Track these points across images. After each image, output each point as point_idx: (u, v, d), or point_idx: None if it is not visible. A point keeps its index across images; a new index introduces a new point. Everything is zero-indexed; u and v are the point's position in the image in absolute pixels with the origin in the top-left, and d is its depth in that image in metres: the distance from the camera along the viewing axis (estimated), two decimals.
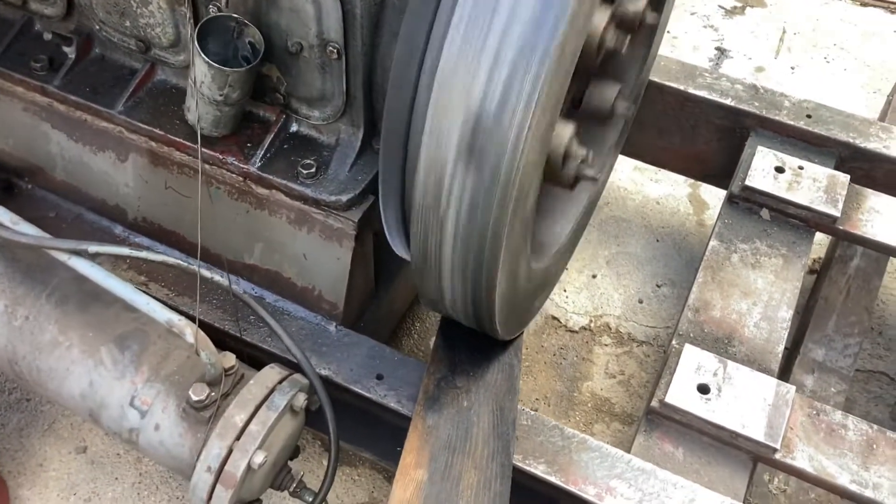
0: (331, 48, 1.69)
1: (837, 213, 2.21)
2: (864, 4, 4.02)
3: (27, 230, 1.69)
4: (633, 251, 2.87)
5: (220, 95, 1.69)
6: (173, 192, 1.99)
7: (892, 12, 3.96)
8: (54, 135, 2.07)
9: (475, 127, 1.33)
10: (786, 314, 2.07)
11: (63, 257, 1.63)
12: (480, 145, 1.34)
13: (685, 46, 3.67)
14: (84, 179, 2.10)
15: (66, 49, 2.01)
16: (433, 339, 2.48)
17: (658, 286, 2.78)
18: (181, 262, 1.67)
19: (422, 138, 1.39)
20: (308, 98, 1.81)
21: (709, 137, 2.63)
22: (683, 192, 3.06)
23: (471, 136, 1.34)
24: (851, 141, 2.42)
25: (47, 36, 2.02)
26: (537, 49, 1.28)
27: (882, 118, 3.13)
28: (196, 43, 1.61)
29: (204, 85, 1.67)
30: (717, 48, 3.69)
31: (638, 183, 3.09)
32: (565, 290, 2.73)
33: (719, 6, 3.93)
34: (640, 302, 2.73)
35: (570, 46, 1.34)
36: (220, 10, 1.72)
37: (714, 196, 3.01)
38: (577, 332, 2.63)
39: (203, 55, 1.60)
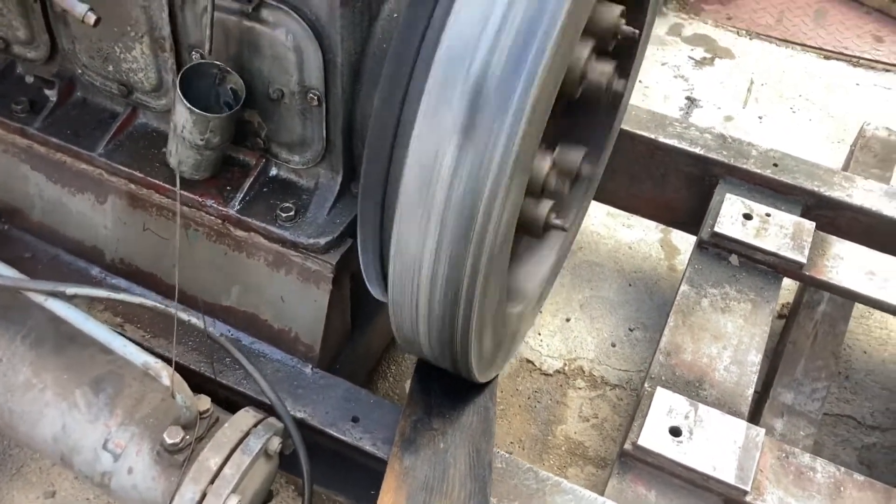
0: (311, 95, 1.73)
1: (804, 260, 2.27)
2: (827, 57, 4.16)
3: (4, 272, 1.69)
4: (606, 295, 2.91)
5: (202, 140, 1.72)
6: (152, 234, 2.00)
7: (854, 65, 4.11)
8: (33, 176, 2.08)
9: (454, 170, 1.36)
10: (755, 358, 2.11)
11: (40, 299, 1.63)
12: (462, 184, 1.37)
13: (656, 96, 3.77)
14: (62, 220, 2.11)
15: (47, 92, 2.04)
16: (408, 381, 2.50)
17: (630, 330, 2.81)
18: (158, 305, 1.68)
19: (400, 187, 1.42)
20: (288, 143, 1.85)
21: (678, 185, 2.69)
22: (655, 238, 3.12)
23: (451, 177, 1.37)
24: (816, 189, 2.50)
25: (29, 79, 2.05)
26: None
27: (845, 168, 3.23)
28: (178, 89, 1.64)
29: (185, 130, 1.70)
30: (688, 98, 3.79)
31: (611, 228, 3.15)
32: (539, 334, 2.76)
33: (689, 57, 4.05)
34: (613, 345, 2.76)
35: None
36: (202, 56, 1.75)
37: (685, 241, 3.07)
38: (551, 375, 2.66)
39: (185, 101, 1.63)
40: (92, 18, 1.47)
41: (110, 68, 1.92)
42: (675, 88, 3.84)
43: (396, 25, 1.68)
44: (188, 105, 1.63)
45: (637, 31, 1.88)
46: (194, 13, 1.73)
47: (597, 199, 2.68)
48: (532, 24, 1.31)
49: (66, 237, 2.12)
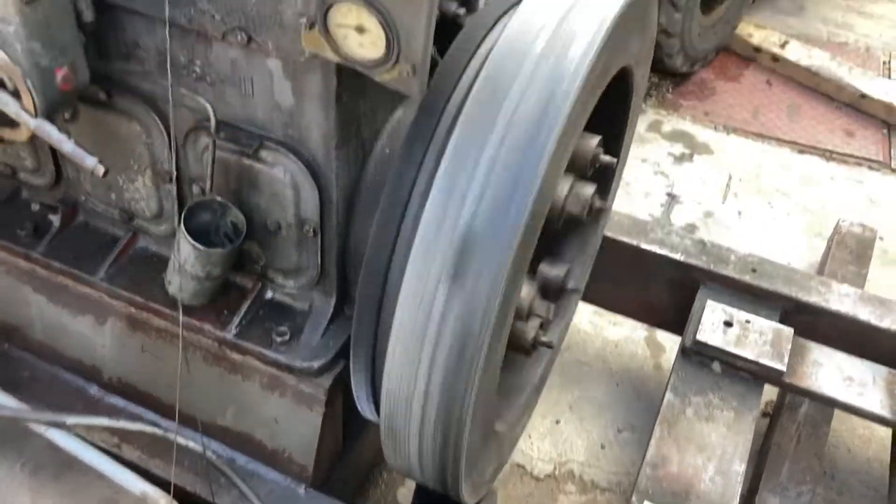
0: (308, 227, 1.81)
1: (783, 368, 2.34)
2: (801, 151, 4.32)
3: (5, 401, 1.74)
4: (594, 395, 2.96)
5: (203, 273, 1.79)
6: (150, 355, 2.05)
7: (828, 160, 4.26)
8: (35, 298, 2.14)
9: (443, 314, 1.44)
10: (738, 468, 2.16)
11: (40, 429, 1.68)
12: (448, 331, 1.44)
13: (638, 192, 3.89)
14: (61, 340, 2.16)
15: (51, 217, 2.11)
16: (399, 489, 2.53)
17: (619, 431, 2.86)
18: (157, 431, 1.73)
19: (392, 325, 1.49)
20: (284, 269, 1.92)
21: (661, 289, 2.78)
22: (641, 336, 3.19)
23: (440, 319, 1.45)
24: (794, 295, 2.59)
25: (35, 206, 2.12)
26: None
27: (823, 264, 3.34)
28: (182, 226, 1.72)
29: (187, 263, 1.77)
30: (668, 194, 3.92)
31: (597, 326, 3.22)
32: (530, 437, 2.80)
33: (669, 153, 4.19)
34: (603, 447, 2.80)
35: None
36: (203, 190, 1.84)
37: (670, 339, 3.14)
38: (542, 479, 2.69)
39: (189, 237, 1.71)
40: (101, 171, 1.56)
41: (113, 196, 2.01)
42: (656, 185, 3.97)
43: (390, 164, 1.77)
44: (191, 241, 1.71)
45: (615, 160, 1.98)
46: (196, 150, 1.82)
47: (583, 299, 2.76)
48: (517, 174, 1.40)
49: (66, 356, 2.17)
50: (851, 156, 4.29)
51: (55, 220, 2.11)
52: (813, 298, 2.59)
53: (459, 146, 1.42)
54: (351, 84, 1.62)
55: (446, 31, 1.68)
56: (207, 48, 1.67)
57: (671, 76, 4.65)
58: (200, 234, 1.78)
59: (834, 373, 2.39)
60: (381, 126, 1.84)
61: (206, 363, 2.00)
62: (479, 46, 1.65)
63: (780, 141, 4.37)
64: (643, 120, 4.37)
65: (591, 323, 3.22)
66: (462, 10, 1.73)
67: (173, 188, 1.90)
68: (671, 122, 4.41)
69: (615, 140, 2.09)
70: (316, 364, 1.89)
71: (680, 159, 4.16)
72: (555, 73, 1.42)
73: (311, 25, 1.39)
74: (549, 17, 1.49)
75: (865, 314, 2.55)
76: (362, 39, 1.37)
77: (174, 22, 1.60)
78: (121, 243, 2.07)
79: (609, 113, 1.90)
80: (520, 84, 1.42)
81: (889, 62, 5.07)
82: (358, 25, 1.36)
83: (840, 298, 2.60)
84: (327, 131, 1.68)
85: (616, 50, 1.63)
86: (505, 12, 1.73)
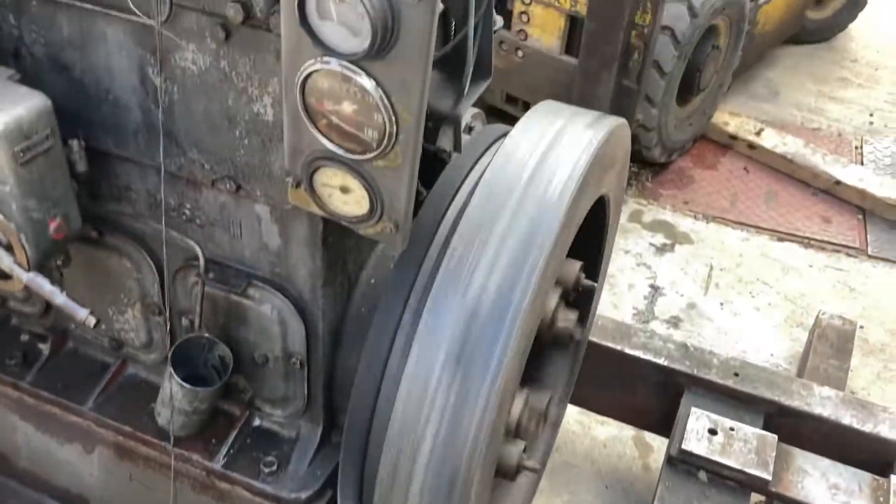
0: (294, 360, 1.84)
1: (769, 477, 2.36)
2: (780, 239, 4.41)
3: None
4: (584, 499, 2.96)
5: (191, 408, 1.81)
6: (138, 485, 2.05)
7: (806, 247, 4.35)
8: (22, 426, 2.15)
9: (433, 449, 1.46)
10: None
11: None
12: (436, 463, 1.46)
13: (622, 285, 3.95)
14: (48, 468, 2.16)
15: (40, 346, 2.14)
16: None
17: None
18: None
19: (381, 457, 1.51)
20: (272, 399, 1.94)
21: (646, 392, 2.81)
22: (629, 435, 3.20)
23: (429, 454, 1.47)
24: (777, 399, 2.62)
25: (24, 337, 2.15)
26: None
27: (805, 358, 3.39)
28: (171, 366, 1.75)
29: (176, 399, 1.79)
30: (651, 286, 3.98)
31: (585, 425, 3.23)
32: None
33: (651, 244, 4.27)
34: None
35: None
36: (192, 323, 1.88)
37: (658, 438, 3.15)
38: None
39: (177, 377, 1.74)
40: (92, 322, 1.59)
41: (103, 326, 2.03)
42: (638, 277, 4.03)
43: (376, 294, 1.82)
44: (180, 381, 1.74)
45: (594, 284, 2.04)
46: (185, 286, 1.86)
47: (570, 401, 2.78)
48: (502, 310, 1.44)
49: (52, 484, 2.17)
50: (829, 242, 4.38)
51: (44, 348, 2.13)
52: (795, 402, 2.63)
53: (444, 283, 1.46)
54: (337, 227, 1.67)
55: (431, 166, 1.74)
56: (197, 193, 1.73)
57: (650, 165, 4.76)
58: (188, 368, 1.81)
59: (819, 481, 2.41)
60: (366, 257, 1.89)
61: (195, 492, 2.00)
62: (463, 182, 1.72)
63: (759, 228, 4.46)
64: (624, 210, 4.45)
65: (579, 423, 3.24)
66: (446, 152, 1.80)
67: (164, 323, 1.93)
68: (651, 212, 4.50)
69: (593, 265, 2.15)
70: (304, 495, 1.90)
71: (661, 250, 4.23)
72: (535, 219, 1.47)
73: (298, 184, 1.45)
74: (530, 158, 1.55)
75: (847, 418, 2.58)
76: (347, 198, 1.43)
77: (165, 169, 1.66)
78: (110, 371, 2.09)
79: (586, 239, 1.97)
80: (502, 224, 1.48)
81: (861, 147, 5.22)
82: (342, 186, 1.42)
83: (822, 402, 2.63)
84: (314, 270, 1.73)
85: (593, 183, 1.70)
86: (488, 148, 1.81)
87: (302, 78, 1.27)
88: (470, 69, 1.40)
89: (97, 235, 1.87)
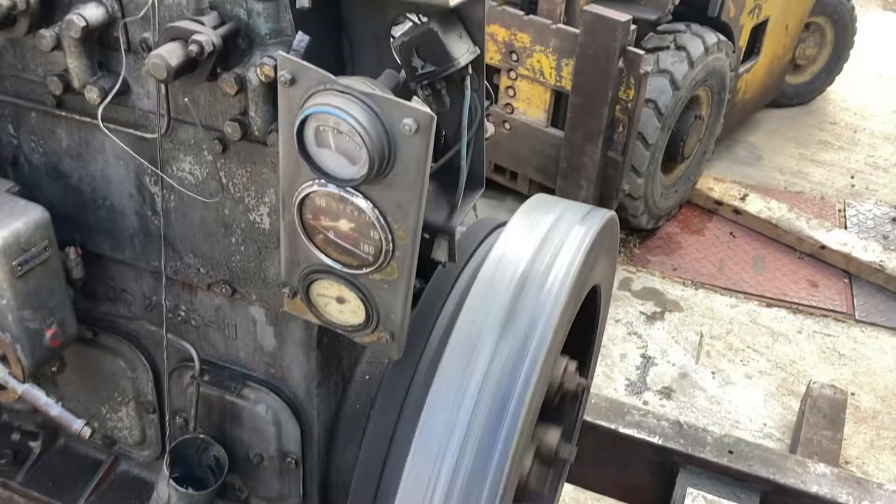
0: (289, 459, 1.83)
1: None
2: (769, 304, 4.44)
3: None
4: None
5: None
6: None
7: (794, 312, 4.39)
8: None
9: None
10: None
11: None
12: None
13: (614, 355, 3.96)
14: None
15: (31, 444, 2.11)
16: None
17: None
18: None
19: None
20: (267, 498, 1.93)
21: (642, 470, 2.80)
22: None
23: None
24: (771, 477, 2.61)
25: (15, 436, 2.13)
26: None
27: (798, 429, 3.39)
28: (166, 469, 1.73)
29: (171, 502, 1.78)
30: (643, 356, 3.99)
31: (581, 503, 3.21)
32: None
33: (641, 312, 4.29)
34: None
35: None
36: (186, 421, 1.87)
37: None
38: None
39: (172, 482, 1.72)
40: (87, 434, 1.59)
41: (96, 424, 2.02)
42: (630, 346, 4.04)
43: (370, 391, 1.82)
44: (175, 485, 1.72)
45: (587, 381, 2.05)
46: (180, 385, 1.85)
47: (567, 480, 2.76)
48: (501, 407, 1.43)
49: None
50: (817, 307, 4.42)
51: (35, 446, 2.11)
52: (791, 480, 2.62)
53: (441, 387, 1.47)
54: (331, 330, 1.68)
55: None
56: (193, 296, 1.74)
57: (637, 231, 4.82)
58: (183, 467, 1.80)
59: None
60: (360, 354, 1.90)
61: None
62: (459, 276, 1.74)
63: (748, 294, 4.50)
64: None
65: (575, 500, 3.21)
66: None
67: (156, 417, 1.92)
68: (641, 280, 4.54)
69: (585, 360, 2.16)
70: None
71: (652, 318, 4.26)
72: (530, 325, 1.48)
73: (294, 294, 1.46)
74: (524, 255, 1.56)
75: (843, 496, 2.57)
76: (343, 308, 1.45)
77: (161, 272, 1.67)
78: (102, 469, 2.07)
79: (578, 329, 1.98)
80: (496, 325, 1.48)
81: (844, 210, 5.31)
82: (339, 296, 1.43)
83: (818, 479, 2.62)
84: (308, 371, 1.73)
85: (586, 276, 1.72)
86: (482, 242, 1.83)
87: (300, 198, 1.29)
88: (463, 184, 1.43)
89: (92, 335, 1.87)
